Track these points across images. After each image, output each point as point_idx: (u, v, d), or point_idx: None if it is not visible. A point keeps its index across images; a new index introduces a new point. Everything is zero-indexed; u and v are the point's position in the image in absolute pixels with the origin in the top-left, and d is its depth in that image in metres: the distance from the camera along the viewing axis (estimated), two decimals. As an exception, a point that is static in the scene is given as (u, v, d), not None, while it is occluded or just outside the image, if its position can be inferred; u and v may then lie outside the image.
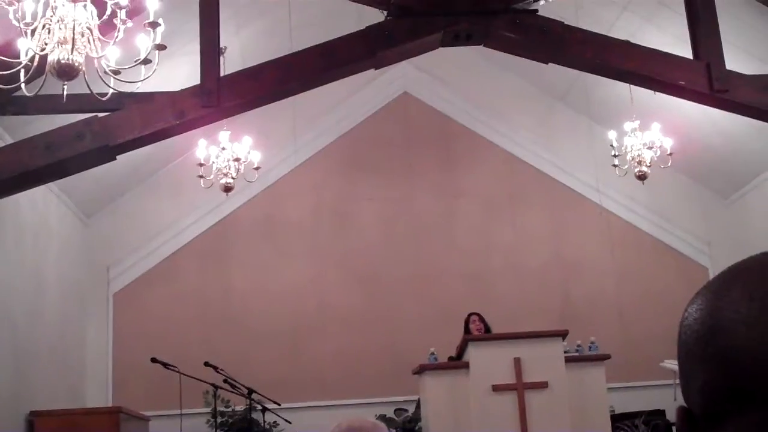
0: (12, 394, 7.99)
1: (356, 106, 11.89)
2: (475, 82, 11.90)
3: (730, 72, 7.35)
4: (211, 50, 6.96)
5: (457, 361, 7.92)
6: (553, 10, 7.63)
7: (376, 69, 7.91)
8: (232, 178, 9.01)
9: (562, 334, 7.37)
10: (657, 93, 7.92)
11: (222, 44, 7.16)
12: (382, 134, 11.90)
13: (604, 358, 7.56)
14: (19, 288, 8.43)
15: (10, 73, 5.06)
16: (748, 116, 7.75)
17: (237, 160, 9.03)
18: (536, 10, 7.35)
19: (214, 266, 11.29)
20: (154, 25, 5.10)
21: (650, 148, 8.83)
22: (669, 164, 9.00)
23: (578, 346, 7.89)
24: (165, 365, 7.90)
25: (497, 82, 11.91)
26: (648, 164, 8.81)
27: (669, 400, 8.61)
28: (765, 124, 7.90)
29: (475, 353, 7.37)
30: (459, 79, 11.89)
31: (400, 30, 7.44)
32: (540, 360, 7.10)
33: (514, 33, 7.50)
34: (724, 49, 7.39)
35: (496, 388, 7.05)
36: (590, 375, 7.41)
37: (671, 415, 8.53)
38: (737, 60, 7.86)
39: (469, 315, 8.81)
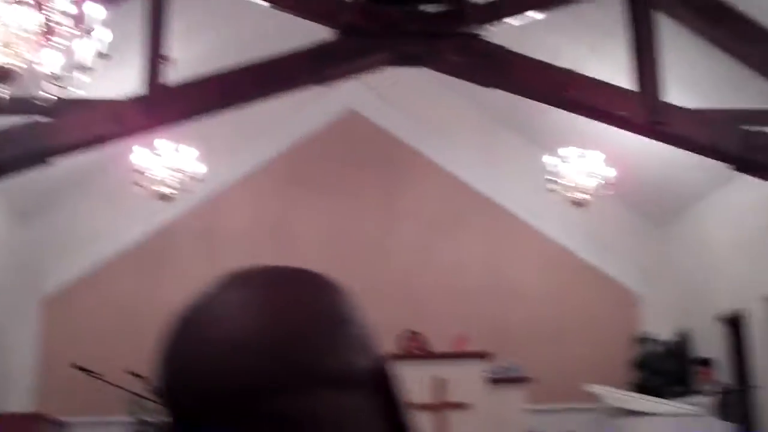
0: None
1: (302, 121, 11.86)
2: (422, 103, 11.95)
3: (669, 105, 7.51)
4: (154, 59, 6.91)
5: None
6: (499, 36, 7.71)
7: (320, 86, 7.92)
8: (173, 188, 8.91)
9: (487, 356, 7.44)
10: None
11: (173, 55, 7.09)
12: (326, 151, 11.89)
13: (525, 380, 7.64)
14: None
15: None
16: (684, 149, 7.92)
17: (179, 170, 8.94)
18: (482, 35, 7.43)
19: (148, 275, 11.15)
20: (95, 32, 5.04)
21: (590, 176, 8.95)
22: (610, 193, 9.14)
23: (503, 368, 7.96)
24: (87, 372, 7.76)
25: (444, 103, 11.98)
26: (587, 192, 8.94)
27: (589, 423, 8.73)
28: (701, 156, 8.08)
29: (400, 371, 7.34)
30: (407, 100, 11.92)
31: (348, 48, 7.47)
32: (463, 381, 7.15)
33: (460, 57, 7.59)
34: (667, 82, 7.55)
35: (419, 408, 7.07)
36: (511, 397, 7.48)
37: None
38: (680, 93, 8.02)
39: (406, 332, 8.81)
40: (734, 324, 10.75)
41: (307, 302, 0.93)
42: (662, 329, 11.71)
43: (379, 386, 0.92)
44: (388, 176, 11.94)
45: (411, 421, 0.94)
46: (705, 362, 9.36)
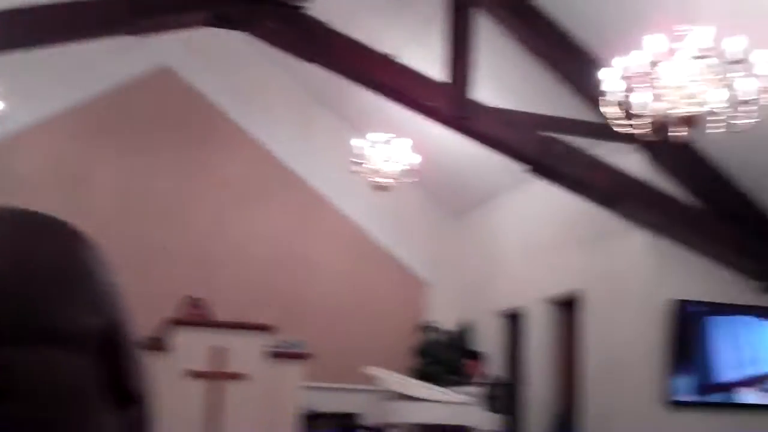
0: None
1: (113, 71, 11.34)
2: (240, 70, 11.72)
3: (476, 102, 7.71)
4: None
5: (158, 342, 7.67)
6: (323, 11, 7.68)
7: (135, 36, 7.63)
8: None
9: (269, 329, 7.42)
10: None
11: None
12: (135, 105, 11.48)
13: (306, 356, 7.68)
14: None
15: None
16: (486, 145, 8.16)
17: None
18: (302, 7, 7.37)
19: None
20: None
21: (395, 161, 9.07)
22: (412, 180, 9.28)
23: (286, 342, 7.95)
24: None
25: (263, 72, 11.81)
26: (390, 177, 9.05)
27: (366, 404, 8.89)
28: (500, 156, 8.36)
29: (178, 337, 7.22)
30: (224, 64, 11.67)
31: (167, 2, 7.25)
32: (243, 352, 7.10)
33: (280, 26, 7.50)
34: (477, 79, 7.75)
35: (195, 375, 6.97)
36: (290, 372, 7.50)
37: (364, 419, 8.84)
38: (488, 91, 8.24)
39: (187, 298, 8.64)
40: (513, 320, 11.24)
41: (47, 252, 0.88)
42: (447, 319, 12.08)
43: (105, 349, 0.88)
44: (196, 139, 11.69)
45: (142, 388, 0.90)
46: (474, 355, 9.73)
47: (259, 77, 11.85)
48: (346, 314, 11.81)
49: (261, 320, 8.22)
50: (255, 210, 11.76)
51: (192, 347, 7.15)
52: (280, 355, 7.42)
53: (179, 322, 7.60)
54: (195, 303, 8.65)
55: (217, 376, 6.99)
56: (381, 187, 9.06)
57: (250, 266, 11.54)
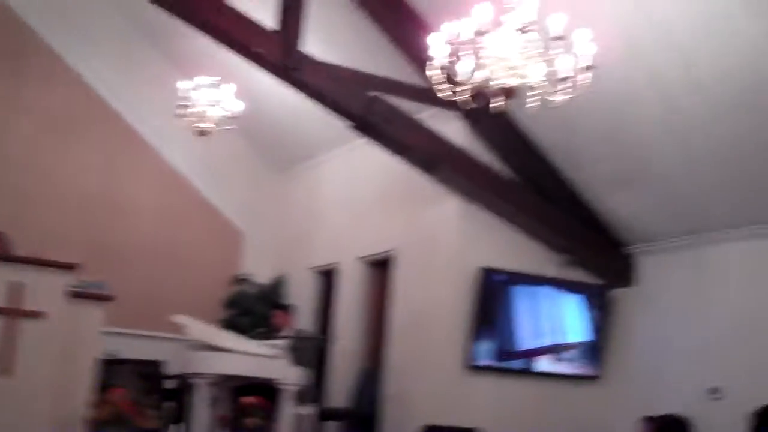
0: None
1: None
2: None
3: (305, 53, 7.64)
4: None
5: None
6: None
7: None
8: None
9: (73, 267, 7.13)
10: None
11: None
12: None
13: (109, 298, 7.44)
14: None
15: None
16: (311, 98, 8.12)
17: None
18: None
19: None
20: None
21: (218, 107, 8.88)
22: (234, 127, 9.11)
23: (89, 283, 7.65)
24: None
25: (89, 2, 11.25)
26: (212, 122, 8.85)
27: (172, 352, 8.74)
28: (327, 112, 8.33)
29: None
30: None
31: None
32: (42, 289, 6.78)
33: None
34: (309, 32, 7.66)
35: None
36: (92, 314, 7.24)
37: (169, 368, 8.69)
38: (318, 45, 8.18)
39: None
40: (327, 277, 11.31)
41: None
42: (261, 272, 12.02)
43: None
44: (10, 64, 11.02)
45: None
46: (284, 308, 9.74)
47: (85, 7, 11.29)
48: (157, 259, 11.53)
49: (67, 258, 7.89)
50: (69, 144, 11.25)
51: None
52: (81, 296, 7.12)
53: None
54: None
55: (11, 313, 6.64)
56: (203, 132, 8.86)
57: (59, 202, 11.04)
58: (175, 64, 11.13)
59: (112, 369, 7.73)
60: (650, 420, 6.74)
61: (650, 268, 9.16)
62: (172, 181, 11.83)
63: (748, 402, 3.19)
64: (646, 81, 7.37)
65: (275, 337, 9.21)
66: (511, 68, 5.24)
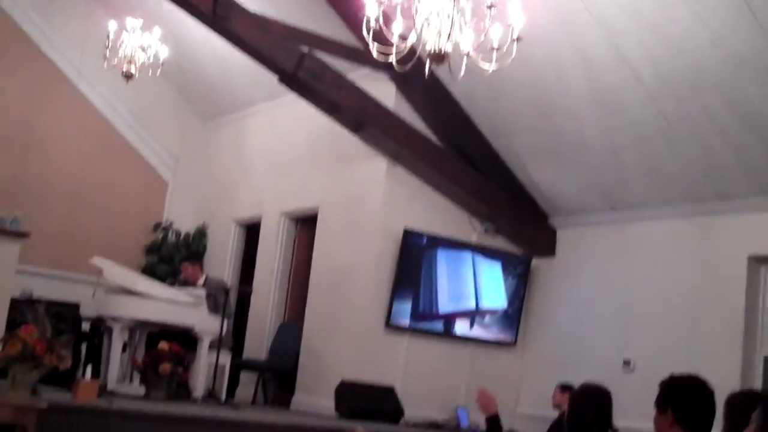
0: None
1: None
2: None
3: (236, 2, 7.55)
4: None
5: None
6: None
7: None
8: None
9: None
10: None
11: None
12: None
13: (24, 235, 7.33)
14: None
15: None
16: (241, 49, 8.03)
17: None
18: None
19: None
20: None
21: (146, 51, 8.72)
22: (158, 73, 8.97)
23: (6, 218, 7.47)
24: None
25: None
26: (139, 67, 8.70)
27: (89, 295, 8.64)
28: (257, 65, 8.26)
29: None
30: None
31: None
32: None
33: None
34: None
35: None
36: (6, 252, 7.14)
37: (84, 311, 8.61)
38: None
39: None
40: (250, 230, 11.29)
41: None
42: (184, 221, 11.94)
43: None
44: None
45: None
46: (193, 260, 9.67)
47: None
48: (78, 201, 11.36)
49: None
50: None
51: None
52: (-5, 232, 7.01)
53: None
54: None
55: None
56: (129, 76, 8.70)
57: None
58: (103, 4, 10.88)
59: (25, 308, 7.64)
60: (567, 388, 6.89)
61: (571, 240, 9.32)
62: (95, 123, 11.60)
63: (659, 374, 3.29)
64: (574, 56, 7.46)
65: (194, 286, 9.19)
66: (444, 33, 5.27)
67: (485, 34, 5.31)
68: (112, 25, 8.67)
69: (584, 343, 8.80)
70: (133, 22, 8.65)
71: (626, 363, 8.30)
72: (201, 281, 9.29)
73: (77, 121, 11.46)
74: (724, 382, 3.34)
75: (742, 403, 3.44)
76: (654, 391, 3.24)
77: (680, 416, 3.11)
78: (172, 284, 9.89)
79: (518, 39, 5.28)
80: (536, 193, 9.29)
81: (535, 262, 9.54)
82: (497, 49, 5.31)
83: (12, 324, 6.49)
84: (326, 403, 8.42)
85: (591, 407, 4.57)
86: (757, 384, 7.25)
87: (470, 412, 8.58)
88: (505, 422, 8.73)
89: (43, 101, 11.27)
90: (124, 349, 8.24)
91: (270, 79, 8.47)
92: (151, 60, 8.73)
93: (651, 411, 3.20)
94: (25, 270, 8.54)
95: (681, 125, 7.37)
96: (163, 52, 8.78)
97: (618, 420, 4.90)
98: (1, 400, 5.28)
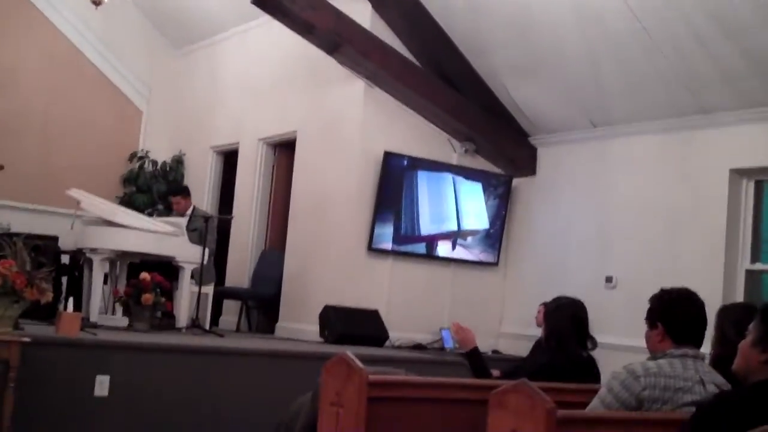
0: None
1: None
2: None
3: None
4: None
5: None
6: None
7: None
8: None
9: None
10: None
11: None
12: None
13: (-1, 168, 7.25)
14: None
15: None
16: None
17: None
18: None
19: None
20: None
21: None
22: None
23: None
24: None
25: None
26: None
27: (66, 228, 8.54)
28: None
29: None
30: None
31: None
32: None
33: None
34: None
35: None
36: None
37: (63, 243, 8.52)
38: None
39: None
40: (228, 157, 11.17)
41: None
42: (160, 150, 11.80)
43: None
44: None
45: None
46: (182, 192, 9.56)
47: None
48: (51, 133, 11.18)
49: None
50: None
51: None
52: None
53: None
54: None
55: None
56: (98, 2, 8.48)
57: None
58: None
59: (3, 242, 7.54)
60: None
61: (552, 158, 9.26)
62: (65, 52, 11.35)
63: (641, 291, 3.26)
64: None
65: (173, 215, 9.11)
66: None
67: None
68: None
69: (566, 261, 8.82)
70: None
71: (608, 280, 8.32)
72: (189, 211, 9.20)
73: (46, 51, 11.21)
74: (706, 296, 3.31)
75: (734, 314, 3.43)
76: (636, 307, 3.22)
77: (671, 330, 3.09)
78: (156, 214, 9.79)
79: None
80: (516, 111, 9.19)
81: (516, 181, 9.50)
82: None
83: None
84: (310, 329, 8.43)
85: (567, 318, 4.62)
86: (740, 298, 7.28)
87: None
88: (489, 342, 8.90)
89: (8, 30, 10.99)
90: (105, 281, 8.17)
91: (242, 1, 8.26)
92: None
93: (634, 326, 3.19)
94: (3, 204, 8.43)
95: (662, 38, 7.26)
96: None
97: (601, 336, 4.90)
98: (-18, 335, 5.23)
